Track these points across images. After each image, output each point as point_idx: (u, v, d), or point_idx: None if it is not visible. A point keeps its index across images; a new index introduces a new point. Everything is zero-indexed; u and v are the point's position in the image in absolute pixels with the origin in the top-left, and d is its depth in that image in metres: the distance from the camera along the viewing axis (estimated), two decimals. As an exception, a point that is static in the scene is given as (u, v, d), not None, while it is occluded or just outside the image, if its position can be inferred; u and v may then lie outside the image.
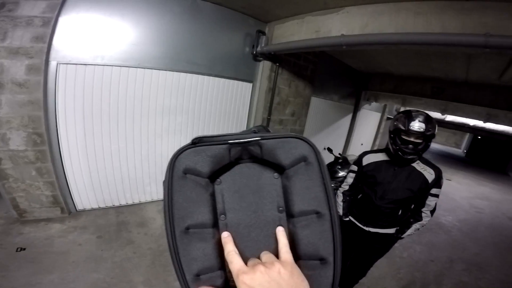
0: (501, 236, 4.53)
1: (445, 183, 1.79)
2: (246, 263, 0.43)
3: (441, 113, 5.36)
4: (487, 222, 5.22)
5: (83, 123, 2.74)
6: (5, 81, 2.20)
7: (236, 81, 3.81)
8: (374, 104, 7.39)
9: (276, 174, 0.51)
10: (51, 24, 2.22)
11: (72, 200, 3.02)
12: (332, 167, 3.66)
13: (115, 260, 2.46)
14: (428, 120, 1.57)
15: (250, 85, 4.04)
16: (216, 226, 0.47)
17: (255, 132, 0.53)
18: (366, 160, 1.93)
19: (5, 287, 1.98)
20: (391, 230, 1.94)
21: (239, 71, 3.75)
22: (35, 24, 2.18)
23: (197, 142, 0.48)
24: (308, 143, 0.50)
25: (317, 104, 5.52)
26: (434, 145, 17.16)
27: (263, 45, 3.59)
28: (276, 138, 0.50)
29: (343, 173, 3.48)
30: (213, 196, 0.48)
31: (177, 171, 0.46)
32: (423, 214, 1.80)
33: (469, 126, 8.79)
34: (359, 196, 2.06)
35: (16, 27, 2.14)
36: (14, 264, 2.20)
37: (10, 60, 2.17)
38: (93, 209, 3.21)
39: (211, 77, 3.48)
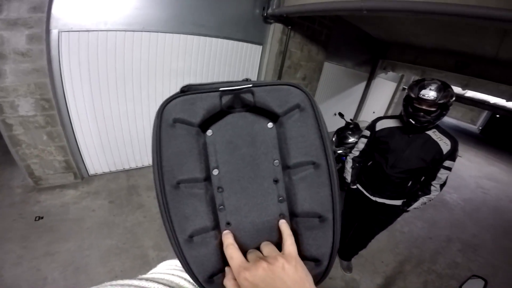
0: (501, 219, 4.54)
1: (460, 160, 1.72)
2: (242, 224, 0.44)
3: (462, 88, 5.08)
4: (491, 203, 5.18)
5: (90, 87, 2.71)
6: (7, 52, 2.15)
7: (245, 43, 3.66)
8: (390, 73, 7.04)
9: (270, 123, 0.48)
10: None
11: (84, 165, 3.11)
12: (343, 133, 3.58)
13: (127, 225, 2.60)
14: (441, 88, 1.49)
15: (260, 47, 3.88)
16: (208, 180, 0.44)
17: (247, 80, 0.49)
18: (380, 126, 1.86)
19: (27, 258, 2.11)
20: (398, 202, 1.92)
21: (249, 34, 3.58)
22: None
23: (186, 90, 0.45)
24: (302, 90, 0.47)
25: (330, 69, 5.33)
26: (449, 120, 16.60)
27: (274, 7, 3.34)
28: (269, 86, 0.47)
29: (353, 139, 3.40)
30: (204, 147, 0.45)
31: (165, 120, 0.43)
32: (432, 188, 1.76)
33: (489, 104, 8.37)
34: (369, 164, 2.01)
35: None
36: (33, 234, 2.34)
37: (10, 31, 2.10)
38: (104, 173, 3.33)
39: (219, 39, 3.34)
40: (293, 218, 0.45)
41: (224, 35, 3.34)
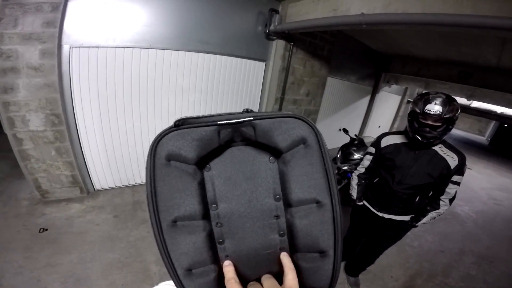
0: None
1: (465, 171, 1.67)
2: (242, 257, 0.43)
3: (467, 98, 5.05)
4: (504, 215, 5.03)
5: (98, 104, 2.78)
6: (21, 66, 2.25)
7: (248, 60, 3.73)
8: (394, 86, 7.08)
9: (272, 158, 0.46)
10: (60, 9, 2.22)
11: (91, 179, 3.15)
12: (348, 149, 3.54)
13: (130, 239, 2.58)
14: (446, 102, 1.45)
15: (263, 64, 3.95)
16: (207, 217, 0.43)
17: (248, 112, 0.46)
18: (385, 142, 1.85)
19: (28, 268, 2.11)
20: (406, 218, 1.88)
21: (252, 50, 3.67)
22: (44, 10, 2.19)
23: (181, 124, 0.42)
24: (308, 123, 0.44)
25: (334, 84, 5.40)
26: (456, 131, 16.38)
27: (276, 24, 3.45)
28: (271, 118, 0.44)
29: (358, 155, 3.37)
30: (202, 184, 0.43)
31: (159, 158, 0.41)
32: (441, 203, 1.72)
33: (496, 114, 8.34)
34: (375, 180, 1.98)
35: (26, 13, 2.15)
36: (37, 245, 2.34)
37: (24, 46, 2.20)
38: (110, 189, 3.35)
39: (223, 56, 3.43)
40: (294, 252, 0.45)
41: (228, 52, 3.43)
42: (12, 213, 2.67)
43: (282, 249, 0.45)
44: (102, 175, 3.21)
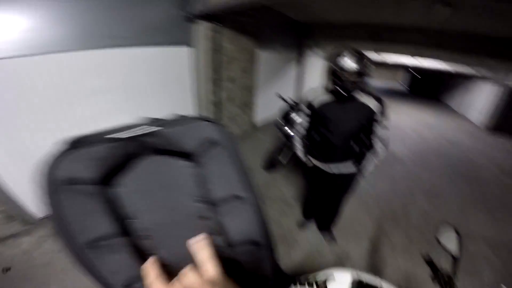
0: (449, 163, 5.18)
1: (393, 115, 1.97)
2: (173, 270, 0.39)
3: (377, 53, 5.68)
4: (433, 149, 5.92)
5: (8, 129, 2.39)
6: None
7: (170, 47, 3.51)
8: (318, 51, 7.58)
9: (186, 163, 0.46)
10: None
11: (27, 210, 2.74)
12: (287, 114, 3.71)
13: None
14: (358, 58, 1.70)
15: (188, 48, 3.77)
16: (127, 233, 0.41)
17: (150, 122, 0.46)
18: (316, 102, 2.02)
19: None
20: (352, 168, 2.12)
21: (172, 36, 3.46)
22: None
23: (71, 146, 0.39)
24: (213, 123, 0.46)
25: (265, 57, 5.51)
26: (376, 83, 18.27)
27: (196, 6, 3.30)
28: (179, 123, 0.45)
29: (297, 117, 3.49)
30: (111, 202, 0.41)
31: (51, 185, 0.37)
32: (376, 146, 1.98)
33: (405, 65, 9.92)
34: (316, 138, 2.16)
35: None
36: (11, 286, 2.15)
37: None
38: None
39: (139, 48, 3.12)
40: (230, 248, 0.44)
41: (144, 42, 3.14)
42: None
43: (218, 247, 0.43)
44: (39, 202, 2.86)
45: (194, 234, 0.42)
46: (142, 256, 0.40)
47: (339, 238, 2.80)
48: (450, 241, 1.09)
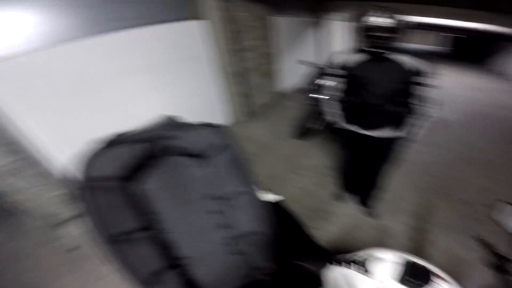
0: (505, 130, 4.40)
1: (438, 78, 1.76)
2: (197, 254, 0.47)
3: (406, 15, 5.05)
4: (486, 114, 5.13)
5: (51, 119, 2.66)
6: None
7: (179, 23, 3.52)
8: (339, 14, 7.11)
9: (199, 163, 0.52)
10: None
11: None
12: (316, 80, 3.54)
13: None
14: (387, 14, 1.59)
15: (199, 21, 3.75)
16: (150, 226, 0.46)
17: (170, 126, 0.52)
18: (346, 61, 1.87)
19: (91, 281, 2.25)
20: (393, 132, 1.92)
21: (179, 11, 3.45)
22: None
23: (104, 146, 0.46)
24: (223, 131, 0.54)
25: (282, 23, 5.32)
26: (414, 46, 16.53)
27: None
28: (191, 129, 0.52)
29: (325, 81, 3.38)
30: (135, 198, 0.45)
31: (90, 178, 0.44)
32: (419, 107, 1.78)
33: (445, 26, 8.52)
34: (350, 100, 1.99)
35: None
36: (77, 262, 2.47)
37: None
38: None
39: (147, 27, 3.17)
40: (237, 239, 0.50)
41: (149, 21, 3.17)
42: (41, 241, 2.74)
43: (233, 239, 0.50)
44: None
45: (207, 225, 0.49)
46: (163, 249, 0.45)
47: (382, 212, 2.60)
48: (507, 220, 0.98)
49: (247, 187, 0.51)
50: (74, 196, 0.43)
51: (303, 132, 3.85)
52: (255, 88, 4.98)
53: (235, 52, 4.18)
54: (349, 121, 2.05)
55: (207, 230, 0.48)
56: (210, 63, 4.13)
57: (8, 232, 3.00)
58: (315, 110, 3.57)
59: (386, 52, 1.68)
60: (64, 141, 2.82)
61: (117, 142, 0.46)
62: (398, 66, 1.71)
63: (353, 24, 1.78)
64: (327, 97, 2.10)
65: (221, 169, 0.51)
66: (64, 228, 2.81)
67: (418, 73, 1.70)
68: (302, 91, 3.74)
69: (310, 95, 3.49)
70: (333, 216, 2.60)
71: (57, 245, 2.65)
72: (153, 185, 0.47)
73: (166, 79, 3.56)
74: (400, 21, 1.60)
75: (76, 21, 2.61)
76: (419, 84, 1.72)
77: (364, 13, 1.67)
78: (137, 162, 0.45)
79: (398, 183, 2.89)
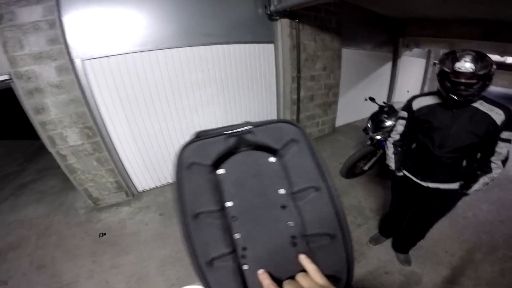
0: None
1: None
2: (257, 248, 0.49)
3: (500, 55, 4.60)
4: None
5: (123, 111, 2.98)
6: (43, 85, 2.40)
7: (256, 44, 3.73)
8: (416, 50, 6.68)
9: (271, 157, 0.55)
10: (57, 25, 2.30)
11: (133, 183, 3.42)
12: (378, 117, 3.37)
13: (177, 235, 2.69)
14: (477, 58, 1.33)
15: (272, 45, 3.93)
16: (223, 211, 0.50)
17: (247, 123, 0.56)
18: (417, 104, 1.70)
19: (97, 272, 2.38)
20: (454, 185, 1.72)
21: (257, 34, 3.65)
22: (42, 28, 2.26)
23: (198, 136, 0.53)
24: (295, 125, 0.55)
25: (350, 55, 5.20)
26: (495, 89, 14.88)
27: (276, 4, 3.43)
28: (266, 125, 0.55)
29: (390, 122, 3.18)
30: (217, 183, 0.52)
31: (183, 163, 0.50)
32: (492, 165, 1.55)
33: None
34: (413, 146, 1.83)
35: (27, 34, 2.23)
36: (100, 249, 2.62)
37: (38, 65, 2.33)
38: (151, 189, 3.62)
39: (230, 45, 3.46)
40: (303, 238, 0.50)
41: (233, 40, 3.46)
42: (74, 222, 3.02)
43: (293, 237, 0.50)
44: (142, 177, 3.48)
45: (273, 220, 0.51)
46: (228, 235, 0.49)
47: (415, 259, 2.39)
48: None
49: (321, 183, 0.50)
50: (172, 174, 0.50)
51: (352, 171, 3.69)
52: (311, 118, 4.95)
53: (299, 80, 4.21)
54: (408, 168, 1.90)
55: (270, 224, 0.50)
56: (275, 86, 4.27)
57: (55, 206, 3.38)
58: (370, 149, 3.41)
59: (467, 99, 1.44)
60: (131, 136, 3.17)
61: (203, 135, 0.52)
62: (479, 116, 1.49)
63: (432, 63, 1.61)
64: (387, 138, 1.96)
65: (294, 163, 0.52)
66: (103, 213, 3.12)
67: (500, 126, 1.46)
68: (363, 129, 3.60)
69: (371, 134, 3.36)
70: (364, 258, 2.49)
71: (91, 227, 2.91)
72: (229, 175, 0.52)
73: (232, 93, 3.79)
74: (488, 66, 1.34)
75: (172, 32, 2.98)
76: (501, 140, 1.49)
77: (448, 53, 1.45)
78: (219, 153, 0.51)
79: (442, 233, 2.67)
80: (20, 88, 2.37)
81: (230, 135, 0.53)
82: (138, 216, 3.06)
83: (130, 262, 2.44)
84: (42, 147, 4.51)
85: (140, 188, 3.51)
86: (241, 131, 0.54)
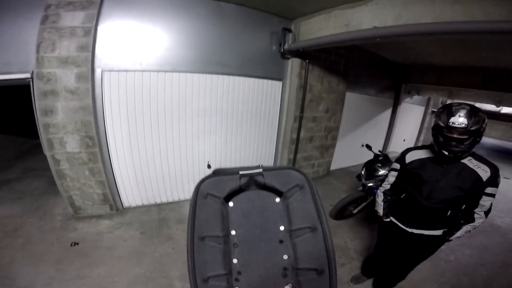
0: None
1: (502, 181, 1.58)
2: (251, 274, 0.55)
3: (495, 105, 4.83)
4: None
5: (127, 126, 2.99)
6: (59, 89, 2.44)
7: (265, 80, 3.84)
8: (416, 97, 6.94)
9: (277, 198, 0.64)
10: (91, 34, 2.40)
11: (120, 198, 3.32)
12: (372, 165, 3.45)
13: (155, 255, 2.65)
14: (471, 113, 1.38)
15: (280, 83, 4.04)
16: (227, 237, 0.58)
17: (259, 167, 0.65)
18: (410, 157, 1.78)
19: (58, 280, 2.23)
20: (438, 232, 1.77)
21: (268, 70, 3.78)
22: (77, 34, 2.36)
23: (216, 173, 0.63)
24: (301, 173, 0.65)
25: (353, 99, 5.37)
26: (488, 140, 15.35)
27: (290, 43, 3.58)
28: (276, 170, 0.65)
29: (383, 171, 3.27)
30: (226, 214, 0.60)
31: (200, 193, 0.59)
32: (475, 215, 1.62)
33: None
34: (402, 196, 1.91)
35: (62, 37, 2.32)
36: (68, 258, 2.49)
37: (62, 69, 2.39)
38: (137, 206, 3.51)
39: (241, 77, 3.57)
40: (294, 271, 0.57)
41: (245, 73, 3.57)
42: (47, 227, 2.88)
43: (285, 269, 0.57)
44: (130, 194, 3.38)
45: (270, 252, 0.59)
46: (227, 259, 0.58)
47: None
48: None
49: (318, 225, 0.57)
50: (193, 202, 0.58)
51: (342, 213, 3.71)
52: (307, 159, 4.96)
53: (301, 120, 4.28)
54: (395, 215, 1.96)
55: (266, 255, 0.56)
56: (277, 123, 4.34)
57: (32, 208, 3.24)
58: (361, 196, 3.45)
59: (456, 154, 1.49)
60: (129, 151, 3.16)
61: (221, 173, 0.61)
62: (466, 172, 1.55)
63: (430, 111, 1.68)
64: (378, 186, 2.05)
65: (297, 205, 0.59)
66: (81, 223, 2.99)
67: (486, 182, 1.52)
68: (357, 176, 3.66)
69: (364, 181, 3.41)
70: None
71: (65, 235, 2.78)
72: (237, 208, 0.60)
73: (235, 125, 3.82)
74: (480, 121, 1.39)
75: (190, 57, 3.09)
76: (485, 194, 1.55)
77: (443, 106, 1.51)
78: (232, 189, 0.60)
79: (423, 275, 2.69)
80: (37, 88, 2.38)
81: (243, 175, 0.61)
82: (117, 231, 2.94)
83: (98, 275, 2.31)
84: (36, 147, 4.42)
85: (126, 204, 3.41)
86: (253, 173, 0.62)
